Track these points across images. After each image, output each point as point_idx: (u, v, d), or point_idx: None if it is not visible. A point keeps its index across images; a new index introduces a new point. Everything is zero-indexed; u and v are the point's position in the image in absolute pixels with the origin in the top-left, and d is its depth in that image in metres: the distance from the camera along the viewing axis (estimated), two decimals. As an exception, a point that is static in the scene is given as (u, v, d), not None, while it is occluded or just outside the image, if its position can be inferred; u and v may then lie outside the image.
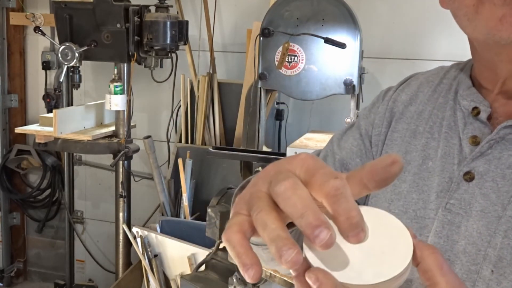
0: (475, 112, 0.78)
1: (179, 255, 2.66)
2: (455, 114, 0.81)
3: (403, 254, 0.51)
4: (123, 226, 3.10)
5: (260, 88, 2.69)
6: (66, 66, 3.01)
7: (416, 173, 0.82)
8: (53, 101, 3.76)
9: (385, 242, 0.51)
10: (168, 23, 2.98)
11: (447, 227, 0.76)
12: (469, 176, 0.76)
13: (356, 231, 0.48)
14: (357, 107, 2.63)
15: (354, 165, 0.90)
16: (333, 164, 0.91)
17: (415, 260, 0.51)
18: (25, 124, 3.83)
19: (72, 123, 3.10)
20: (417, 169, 0.82)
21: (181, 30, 3.05)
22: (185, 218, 3.04)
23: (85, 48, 2.99)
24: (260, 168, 2.61)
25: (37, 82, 3.94)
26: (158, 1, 3.06)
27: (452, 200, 0.76)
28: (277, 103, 3.22)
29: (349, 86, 2.55)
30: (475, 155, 0.76)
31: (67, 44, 2.96)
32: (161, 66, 3.18)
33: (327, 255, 0.49)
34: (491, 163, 0.75)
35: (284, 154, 2.51)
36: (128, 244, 3.19)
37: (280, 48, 2.59)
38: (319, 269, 0.48)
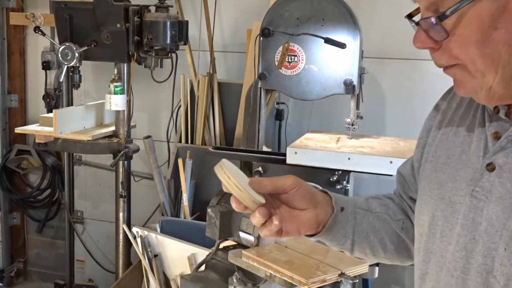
0: (496, 110, 0.93)
1: (179, 255, 2.66)
2: (483, 115, 0.96)
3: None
4: (123, 226, 3.10)
5: (260, 88, 2.69)
6: (66, 66, 3.02)
7: (453, 166, 0.98)
8: (53, 101, 3.76)
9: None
10: (168, 23, 2.98)
11: (473, 211, 0.91)
12: (490, 167, 0.90)
13: None
14: (357, 107, 2.62)
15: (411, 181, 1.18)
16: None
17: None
18: (25, 124, 3.83)
19: (72, 123, 3.10)
20: (455, 162, 0.98)
21: (181, 30, 3.05)
22: (185, 218, 3.04)
23: (85, 48, 2.99)
24: (260, 168, 2.61)
25: (37, 82, 3.94)
26: (158, 1, 3.06)
27: (477, 188, 0.92)
28: (277, 103, 3.22)
29: (349, 86, 2.55)
30: (496, 149, 0.91)
31: (67, 44, 2.96)
32: (161, 66, 3.18)
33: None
34: (508, 156, 0.89)
35: (284, 154, 2.51)
36: (128, 244, 3.19)
37: (280, 48, 2.59)
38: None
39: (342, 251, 1.16)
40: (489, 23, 0.82)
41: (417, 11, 0.91)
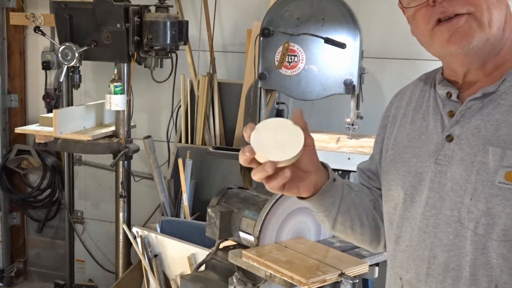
0: (448, 95, 1.14)
1: (179, 255, 2.66)
2: (436, 101, 1.17)
3: (298, 143, 1.04)
4: (123, 226, 3.10)
5: (260, 88, 2.69)
6: (66, 66, 3.02)
7: (415, 146, 1.17)
8: (53, 101, 3.76)
9: (288, 137, 1.04)
10: (168, 23, 2.98)
11: (438, 175, 1.10)
12: (449, 138, 1.10)
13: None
14: (357, 107, 2.62)
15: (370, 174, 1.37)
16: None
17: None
18: (25, 124, 3.83)
19: (72, 123, 3.10)
20: (416, 142, 1.17)
21: (181, 30, 3.05)
22: (185, 218, 3.04)
23: (85, 48, 2.99)
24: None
25: (37, 82, 3.94)
26: (158, 1, 3.06)
27: (440, 156, 1.11)
28: (277, 103, 3.22)
29: (349, 86, 2.55)
30: (452, 123, 1.11)
31: (67, 44, 2.96)
32: (161, 66, 3.18)
33: (259, 151, 1.03)
34: (463, 127, 1.09)
35: (284, 154, 2.51)
36: (128, 244, 3.19)
37: (280, 48, 2.59)
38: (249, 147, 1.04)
39: (325, 221, 1.27)
40: None
41: None
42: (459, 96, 1.13)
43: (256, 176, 1.06)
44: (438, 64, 1.22)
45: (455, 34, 1.05)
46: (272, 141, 1.04)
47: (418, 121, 1.19)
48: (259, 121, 2.76)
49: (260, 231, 1.84)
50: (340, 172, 2.46)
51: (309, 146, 1.08)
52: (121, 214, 3.28)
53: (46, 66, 3.83)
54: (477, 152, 1.05)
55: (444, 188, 1.08)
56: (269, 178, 1.06)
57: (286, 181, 1.06)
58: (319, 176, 1.17)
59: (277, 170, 1.03)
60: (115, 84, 3.05)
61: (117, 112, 3.18)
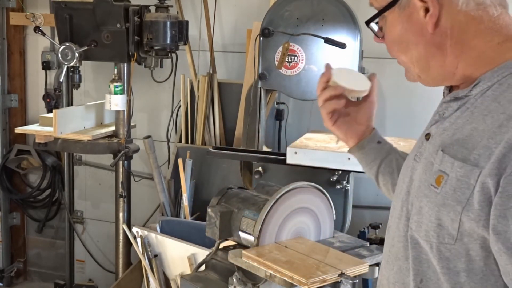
0: (444, 94, 1.20)
1: (179, 255, 2.67)
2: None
3: (367, 84, 1.42)
4: (123, 226, 3.10)
5: (260, 88, 2.69)
6: (66, 66, 3.02)
7: (419, 139, 1.22)
8: (53, 101, 3.76)
9: (360, 79, 1.44)
10: (168, 23, 2.98)
11: (412, 171, 1.16)
12: (427, 136, 1.15)
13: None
14: (357, 107, 2.62)
15: None
16: None
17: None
18: (25, 124, 3.83)
19: (72, 123, 3.10)
20: (421, 136, 1.21)
21: (181, 30, 3.05)
22: (185, 218, 3.04)
23: (85, 48, 2.99)
24: (260, 168, 2.61)
25: (37, 82, 3.94)
26: (158, 1, 3.06)
27: (417, 153, 1.17)
28: (277, 103, 3.22)
29: (349, 86, 2.54)
30: (432, 122, 1.17)
31: (67, 44, 2.96)
32: (161, 66, 3.18)
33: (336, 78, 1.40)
34: (438, 127, 1.13)
35: (284, 154, 2.51)
36: (128, 244, 3.19)
37: (280, 48, 2.59)
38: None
39: (370, 177, 1.50)
40: (401, 27, 1.18)
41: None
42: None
43: (325, 94, 1.38)
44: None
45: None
46: (347, 77, 1.39)
47: (434, 115, 1.24)
48: (259, 122, 2.77)
49: (260, 231, 1.83)
50: (340, 172, 2.46)
51: (372, 95, 1.39)
52: (121, 214, 3.28)
53: (46, 66, 3.83)
54: (433, 153, 1.09)
55: (412, 184, 1.14)
56: (328, 99, 1.37)
57: (338, 108, 1.39)
58: (368, 134, 1.43)
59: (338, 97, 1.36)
60: (115, 84, 3.05)
61: (117, 112, 3.18)
